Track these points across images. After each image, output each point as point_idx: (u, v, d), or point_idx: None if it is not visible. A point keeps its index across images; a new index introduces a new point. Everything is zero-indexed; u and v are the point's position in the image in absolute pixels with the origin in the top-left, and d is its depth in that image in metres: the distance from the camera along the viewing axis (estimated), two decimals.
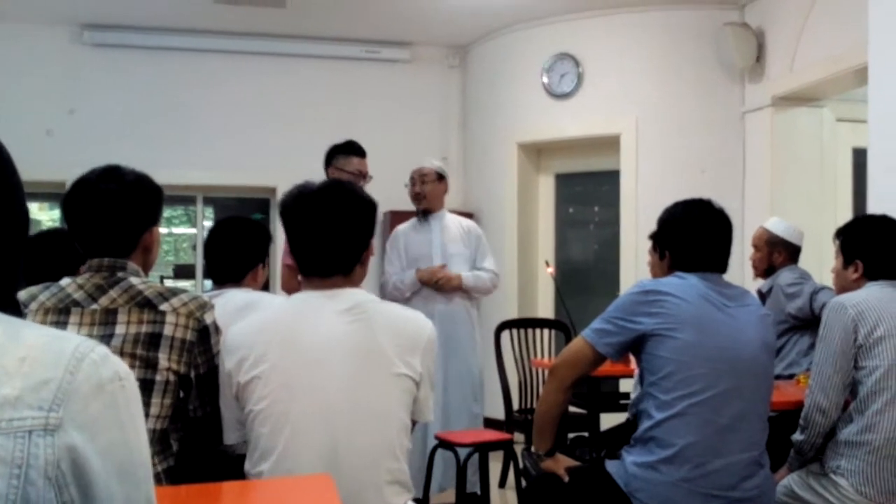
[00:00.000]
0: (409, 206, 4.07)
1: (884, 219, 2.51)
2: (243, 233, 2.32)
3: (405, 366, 1.69)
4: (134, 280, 1.70)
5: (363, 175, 3.54)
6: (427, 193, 3.85)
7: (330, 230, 1.71)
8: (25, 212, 0.81)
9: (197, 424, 1.79)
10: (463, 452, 3.22)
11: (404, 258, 3.88)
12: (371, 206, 1.78)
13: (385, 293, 3.76)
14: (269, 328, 1.70)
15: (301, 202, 1.74)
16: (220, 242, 2.31)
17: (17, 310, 0.76)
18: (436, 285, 3.75)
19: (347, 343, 1.66)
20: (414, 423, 1.80)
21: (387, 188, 4.63)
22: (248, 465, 1.69)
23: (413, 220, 3.97)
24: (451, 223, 3.93)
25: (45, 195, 5.69)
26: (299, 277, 1.81)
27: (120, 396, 0.70)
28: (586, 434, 3.73)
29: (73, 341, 0.70)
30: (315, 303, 1.71)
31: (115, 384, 0.70)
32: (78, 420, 0.66)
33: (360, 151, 3.60)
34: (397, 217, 4.74)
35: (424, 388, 1.75)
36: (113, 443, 0.69)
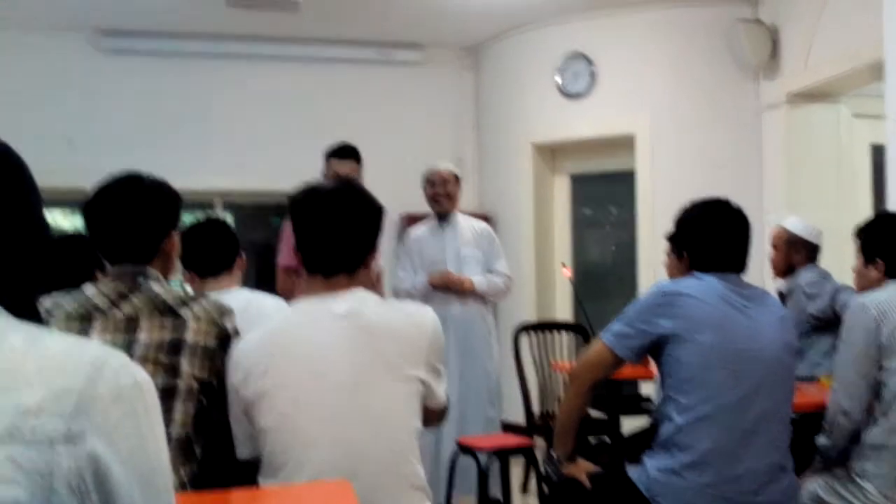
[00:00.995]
0: (424, 208, 4.07)
1: None
2: (220, 230, 2.46)
3: (410, 366, 1.67)
4: (155, 286, 1.72)
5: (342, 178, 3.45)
6: (450, 195, 3.84)
7: (338, 227, 1.71)
8: (44, 220, 0.81)
9: (220, 431, 1.80)
10: (484, 458, 3.22)
11: (417, 262, 3.86)
12: (379, 210, 1.79)
13: (397, 298, 3.76)
14: (270, 342, 1.69)
15: (312, 198, 1.75)
16: (203, 244, 2.38)
17: (37, 317, 0.76)
18: (449, 288, 3.75)
19: (349, 351, 1.65)
20: (434, 412, 1.78)
21: (401, 191, 4.63)
22: (261, 480, 1.69)
23: (427, 224, 3.95)
24: (464, 226, 3.92)
25: (66, 203, 5.74)
26: (300, 277, 1.82)
27: (139, 405, 0.71)
28: (607, 439, 3.71)
29: (93, 349, 0.70)
30: (315, 312, 1.70)
31: (135, 392, 0.70)
32: (99, 428, 0.66)
33: (343, 153, 3.49)
34: (411, 220, 4.72)
35: (434, 379, 1.72)
36: (133, 451, 0.69)
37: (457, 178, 3.89)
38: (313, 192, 1.75)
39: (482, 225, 4.03)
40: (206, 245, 2.40)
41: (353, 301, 1.69)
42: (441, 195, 3.83)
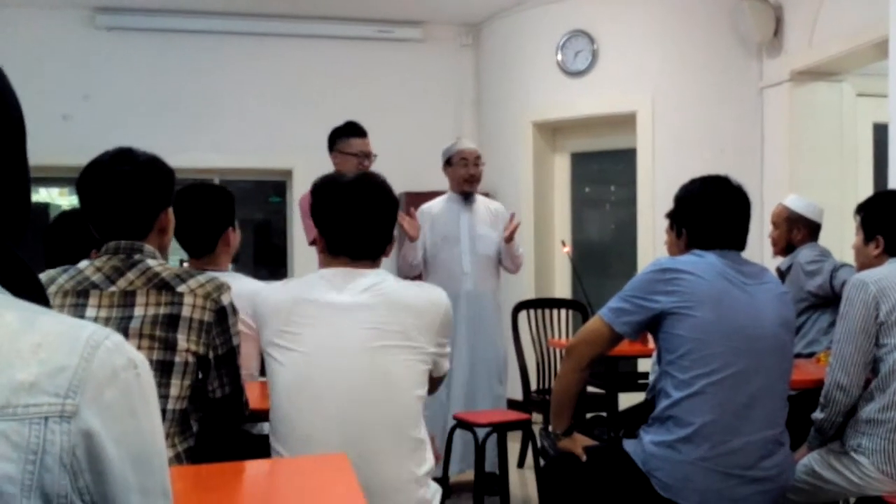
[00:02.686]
0: (426, 186, 4.05)
1: None
2: (207, 199, 2.28)
3: (424, 340, 1.79)
4: (151, 262, 1.71)
5: (367, 155, 3.51)
6: (478, 177, 3.84)
7: (365, 216, 1.85)
8: (19, 116, 0.78)
9: (216, 405, 1.80)
10: (481, 433, 3.23)
11: (428, 235, 3.82)
12: (397, 203, 1.94)
13: (398, 267, 3.75)
14: (294, 294, 1.81)
15: (340, 186, 1.87)
16: (184, 214, 2.14)
17: (41, 295, 0.75)
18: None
19: (370, 315, 1.76)
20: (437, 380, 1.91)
21: (401, 168, 4.61)
22: (272, 439, 1.79)
23: (443, 199, 3.89)
24: (479, 205, 3.90)
25: (63, 180, 5.73)
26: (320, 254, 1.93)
27: (134, 384, 0.70)
28: (604, 414, 3.72)
29: (88, 329, 0.70)
30: (341, 277, 1.83)
31: (130, 372, 0.70)
32: (93, 407, 0.66)
33: (359, 132, 3.55)
34: (413, 198, 4.71)
35: (440, 353, 1.87)
36: (127, 430, 0.69)
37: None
38: (341, 181, 1.89)
39: (497, 205, 4.00)
40: (184, 222, 2.11)
41: (375, 277, 1.83)
42: (474, 176, 3.82)
